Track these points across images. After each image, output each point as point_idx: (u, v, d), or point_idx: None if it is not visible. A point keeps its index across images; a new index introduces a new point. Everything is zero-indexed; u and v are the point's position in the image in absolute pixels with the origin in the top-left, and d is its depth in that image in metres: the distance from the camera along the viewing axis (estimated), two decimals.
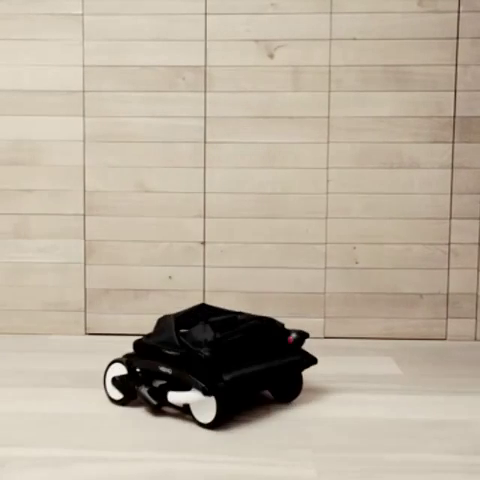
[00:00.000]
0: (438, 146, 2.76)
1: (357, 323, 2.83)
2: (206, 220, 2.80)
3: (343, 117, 2.77)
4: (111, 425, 1.91)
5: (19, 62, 2.79)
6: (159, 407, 2.00)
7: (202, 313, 2.13)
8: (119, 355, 2.21)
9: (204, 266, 2.80)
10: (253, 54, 2.76)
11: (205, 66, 2.77)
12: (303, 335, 2.11)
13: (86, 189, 2.81)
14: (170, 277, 2.81)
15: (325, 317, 2.84)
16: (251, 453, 1.73)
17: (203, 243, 2.81)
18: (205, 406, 1.90)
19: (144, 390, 2.00)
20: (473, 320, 2.82)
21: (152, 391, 1.99)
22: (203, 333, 1.97)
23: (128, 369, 2.05)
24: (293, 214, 2.80)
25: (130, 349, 2.18)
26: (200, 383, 1.86)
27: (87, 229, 2.83)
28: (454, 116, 2.75)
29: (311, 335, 2.81)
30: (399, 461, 1.69)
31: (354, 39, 2.74)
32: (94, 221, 2.82)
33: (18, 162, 2.82)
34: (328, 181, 2.80)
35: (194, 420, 1.92)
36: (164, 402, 1.98)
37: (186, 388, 1.93)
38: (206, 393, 1.85)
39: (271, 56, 2.75)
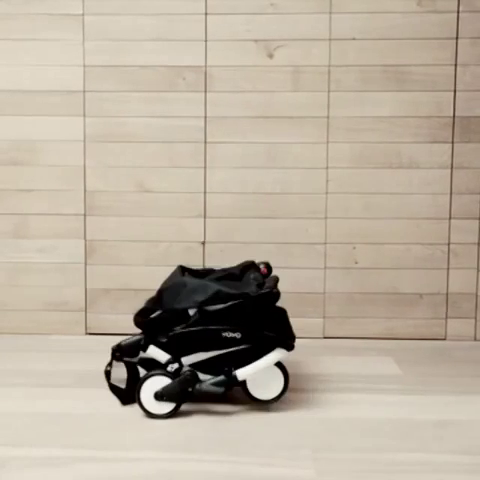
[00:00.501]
0: (438, 146, 2.76)
1: (357, 323, 2.83)
2: (206, 220, 2.81)
3: (343, 117, 2.77)
4: (111, 425, 1.92)
5: (19, 62, 2.79)
6: (228, 390, 1.97)
7: (193, 274, 2.17)
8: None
9: (204, 266, 2.81)
10: (253, 54, 2.76)
11: (205, 66, 2.77)
12: (268, 264, 2.22)
13: (86, 189, 2.82)
14: None
15: (325, 317, 2.84)
16: (251, 453, 1.74)
17: (203, 243, 2.81)
18: (265, 377, 1.89)
19: (205, 384, 1.94)
20: (473, 320, 2.82)
21: (220, 381, 1.94)
22: (241, 287, 1.98)
23: (176, 373, 1.96)
24: (293, 214, 2.81)
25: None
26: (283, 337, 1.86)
27: (87, 229, 2.83)
28: (454, 116, 2.75)
29: (311, 335, 2.82)
30: (399, 461, 1.69)
31: (354, 39, 2.74)
32: (94, 221, 2.82)
33: (18, 162, 2.82)
34: (328, 181, 2.80)
35: (252, 398, 1.93)
36: (231, 384, 1.95)
37: (249, 358, 1.93)
38: (291, 348, 1.85)
39: (271, 56, 2.76)
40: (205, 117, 2.78)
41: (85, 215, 2.82)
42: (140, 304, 2.17)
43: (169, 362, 1.99)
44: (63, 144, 2.80)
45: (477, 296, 2.81)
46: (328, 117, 2.77)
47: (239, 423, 1.92)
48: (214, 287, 1.98)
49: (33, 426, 1.90)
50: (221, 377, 1.96)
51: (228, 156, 2.79)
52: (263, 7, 2.74)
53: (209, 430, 1.88)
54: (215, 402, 2.04)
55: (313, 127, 2.78)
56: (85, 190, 2.82)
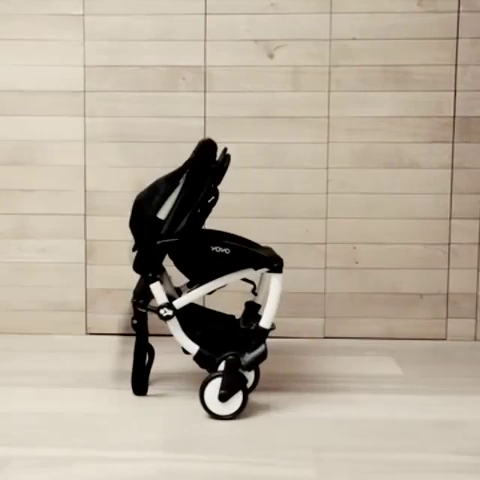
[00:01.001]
0: (438, 146, 2.76)
1: (357, 323, 2.83)
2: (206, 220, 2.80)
3: (343, 117, 2.77)
4: (111, 425, 1.92)
5: (19, 62, 2.79)
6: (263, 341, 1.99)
7: None
8: (119, 355, 2.21)
9: None
10: (253, 54, 2.76)
11: (205, 66, 2.77)
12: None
13: (86, 189, 2.82)
14: (170, 277, 2.81)
15: (325, 317, 2.84)
16: (251, 453, 1.74)
17: None
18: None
19: (247, 356, 1.94)
20: (473, 320, 2.82)
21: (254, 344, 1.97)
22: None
23: (169, 317, 1.99)
24: (293, 214, 2.81)
25: (131, 349, 2.17)
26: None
27: (88, 229, 2.83)
28: (454, 116, 2.75)
29: (311, 335, 2.82)
30: (399, 461, 1.69)
31: (354, 39, 2.74)
32: (94, 221, 2.82)
33: (18, 162, 2.82)
34: (328, 181, 2.80)
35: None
36: (262, 335, 1.98)
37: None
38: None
39: (271, 56, 2.76)
40: (205, 117, 2.78)
41: (85, 215, 2.82)
42: None
43: (162, 306, 2.00)
44: (63, 144, 2.80)
45: (477, 296, 2.81)
46: (328, 117, 2.77)
47: (239, 423, 1.92)
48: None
49: (33, 426, 1.90)
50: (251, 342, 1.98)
51: None
52: (263, 7, 2.74)
53: (209, 430, 1.88)
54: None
55: (313, 127, 2.78)
56: (85, 190, 2.82)
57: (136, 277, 2.82)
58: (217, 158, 2.12)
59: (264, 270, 2.02)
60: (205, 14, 2.75)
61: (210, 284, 2.04)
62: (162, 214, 2.03)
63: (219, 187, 2.82)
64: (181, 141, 2.79)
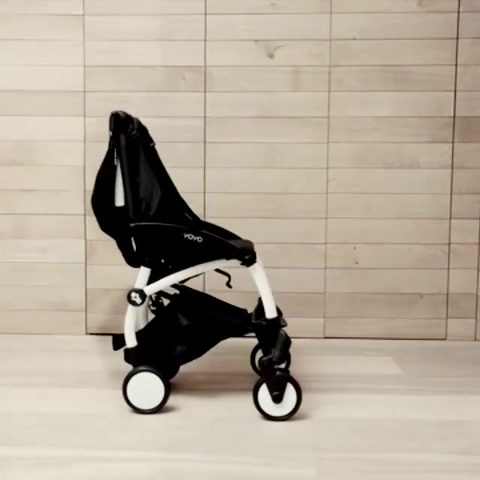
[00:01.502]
0: (438, 146, 2.76)
1: (357, 323, 2.83)
2: (206, 220, 2.80)
3: (343, 117, 2.77)
4: (111, 425, 1.91)
5: (19, 62, 2.79)
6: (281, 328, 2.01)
7: None
8: (119, 355, 2.20)
9: None
10: (253, 54, 2.76)
11: (205, 66, 2.77)
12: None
13: (86, 189, 2.82)
14: None
15: (325, 317, 2.84)
16: (251, 453, 1.74)
17: None
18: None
19: (275, 351, 1.93)
20: (473, 320, 2.82)
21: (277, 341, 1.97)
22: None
23: (137, 303, 2.00)
24: (293, 214, 2.81)
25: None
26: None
27: (88, 229, 2.83)
28: (454, 116, 2.75)
29: (311, 335, 2.82)
30: (399, 461, 1.69)
31: (354, 39, 2.74)
32: (94, 221, 2.82)
33: (18, 162, 2.82)
34: (328, 181, 2.80)
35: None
36: (278, 325, 1.99)
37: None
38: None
39: (271, 56, 2.76)
40: (205, 117, 2.78)
41: (85, 215, 2.82)
42: None
43: (135, 291, 2.00)
44: (63, 144, 2.80)
45: (477, 296, 2.81)
46: (328, 117, 2.77)
47: (239, 423, 1.92)
48: None
49: (33, 426, 1.90)
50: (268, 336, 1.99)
51: (228, 156, 2.79)
52: (263, 7, 2.74)
53: (209, 430, 1.88)
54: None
55: (313, 127, 2.78)
56: (85, 190, 2.82)
57: (135, 277, 2.82)
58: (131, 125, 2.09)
59: (237, 262, 2.01)
60: (205, 14, 2.75)
61: (183, 272, 2.02)
62: (119, 201, 2.02)
63: (219, 187, 2.82)
64: (181, 141, 2.79)
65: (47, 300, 2.86)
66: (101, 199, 2.04)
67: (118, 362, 2.42)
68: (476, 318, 2.82)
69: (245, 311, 2.19)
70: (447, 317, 2.82)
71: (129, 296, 2.02)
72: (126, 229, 2.01)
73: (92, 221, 2.82)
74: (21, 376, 2.33)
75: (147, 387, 1.97)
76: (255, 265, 2.00)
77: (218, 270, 2.19)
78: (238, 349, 2.56)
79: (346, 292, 2.83)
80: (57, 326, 2.86)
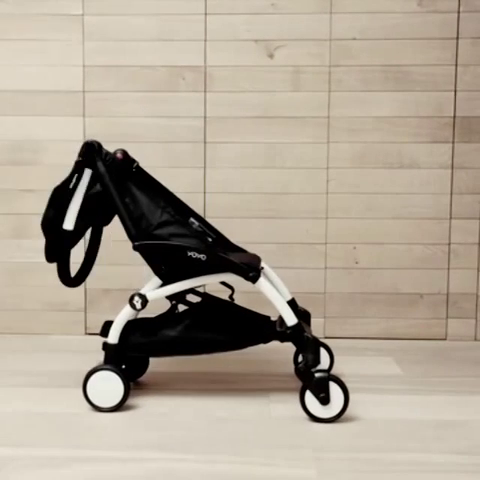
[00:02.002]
0: (438, 146, 2.76)
1: (357, 323, 2.83)
2: (206, 220, 2.80)
3: (343, 117, 2.77)
4: (111, 425, 1.91)
5: (19, 62, 2.79)
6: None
7: None
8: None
9: None
10: (253, 54, 2.76)
11: (205, 66, 2.77)
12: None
13: None
14: None
15: (325, 317, 2.84)
16: (251, 453, 1.73)
17: None
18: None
19: (308, 359, 1.93)
20: (473, 320, 2.82)
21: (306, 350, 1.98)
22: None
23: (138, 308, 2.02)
24: (293, 214, 2.81)
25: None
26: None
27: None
28: (454, 116, 2.75)
29: None
30: (399, 461, 1.69)
31: (354, 39, 2.74)
32: None
33: (18, 162, 2.82)
34: (328, 181, 2.80)
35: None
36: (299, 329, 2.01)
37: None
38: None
39: (271, 56, 2.75)
40: (205, 117, 2.78)
41: None
42: None
43: (138, 295, 2.02)
44: (63, 144, 2.80)
45: (477, 296, 2.81)
46: (328, 117, 2.77)
47: (239, 423, 1.92)
48: None
49: (33, 426, 1.90)
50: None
51: (228, 156, 2.79)
52: (263, 7, 2.74)
53: (209, 430, 1.88)
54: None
55: (313, 127, 2.77)
56: None
57: (136, 277, 2.82)
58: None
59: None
60: (205, 14, 2.75)
61: (188, 281, 2.03)
62: (67, 224, 2.06)
63: (219, 187, 2.82)
64: (181, 141, 2.79)
65: (47, 300, 2.85)
66: (51, 221, 2.07)
67: None
68: (476, 318, 2.82)
69: (268, 318, 2.19)
70: (447, 317, 2.82)
71: (131, 299, 2.02)
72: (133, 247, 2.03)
73: None
74: (21, 376, 2.33)
75: (107, 385, 2.00)
76: (260, 279, 2.01)
77: (223, 283, 2.19)
78: None
79: (346, 292, 2.83)
80: (57, 326, 2.86)
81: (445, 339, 2.82)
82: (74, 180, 2.06)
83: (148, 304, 2.04)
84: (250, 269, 2.00)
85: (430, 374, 2.38)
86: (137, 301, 2.02)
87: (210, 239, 2.19)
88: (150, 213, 2.03)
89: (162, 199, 2.10)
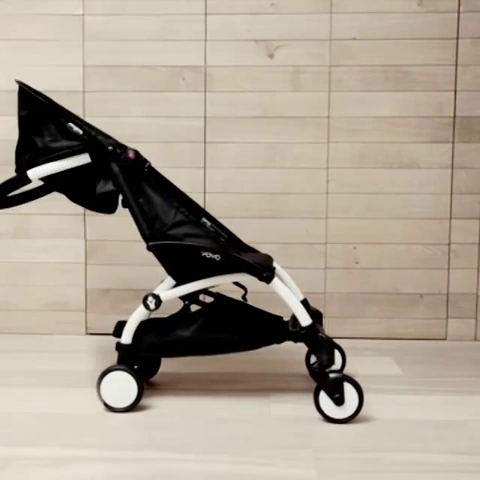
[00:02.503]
0: (438, 146, 2.76)
1: (357, 323, 2.83)
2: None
3: (343, 117, 2.77)
4: (111, 425, 1.91)
5: (19, 62, 2.79)
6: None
7: None
8: None
9: None
10: (253, 54, 2.76)
11: (205, 66, 2.77)
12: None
13: None
14: None
15: (325, 317, 2.83)
16: (251, 453, 1.73)
17: None
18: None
19: (323, 360, 1.93)
20: (473, 320, 2.82)
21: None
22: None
23: (153, 308, 2.02)
24: (293, 214, 2.81)
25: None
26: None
27: (88, 229, 2.83)
28: (454, 116, 2.75)
29: None
30: (399, 461, 1.69)
31: (354, 39, 2.74)
32: (94, 221, 2.82)
33: None
34: (328, 181, 2.80)
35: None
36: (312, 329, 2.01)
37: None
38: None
39: (271, 56, 2.76)
40: (205, 117, 2.78)
41: (85, 215, 2.82)
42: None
43: (152, 295, 2.01)
44: None
45: (477, 296, 2.81)
46: (328, 117, 2.77)
47: (239, 423, 1.92)
48: None
49: (33, 426, 1.90)
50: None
51: (228, 156, 2.79)
52: (263, 7, 2.74)
53: (209, 430, 1.88)
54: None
55: (313, 127, 2.77)
56: None
57: (136, 277, 2.83)
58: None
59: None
60: (205, 14, 2.75)
61: (201, 282, 2.03)
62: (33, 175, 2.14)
63: (219, 187, 2.82)
64: (181, 141, 2.79)
65: (47, 300, 2.85)
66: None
67: None
68: (476, 318, 2.82)
69: (281, 319, 2.19)
70: (447, 317, 2.82)
71: (145, 299, 2.01)
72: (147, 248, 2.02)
73: (92, 221, 2.82)
74: (21, 376, 2.33)
75: (120, 386, 1.98)
76: (274, 280, 2.00)
77: (236, 283, 2.19)
78: None
79: (346, 292, 2.83)
80: (57, 326, 2.86)
81: (445, 339, 2.82)
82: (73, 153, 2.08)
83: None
84: (264, 269, 2.00)
85: (430, 374, 2.38)
86: (151, 301, 2.01)
87: (222, 239, 2.18)
88: (164, 213, 2.02)
89: (175, 199, 2.09)
